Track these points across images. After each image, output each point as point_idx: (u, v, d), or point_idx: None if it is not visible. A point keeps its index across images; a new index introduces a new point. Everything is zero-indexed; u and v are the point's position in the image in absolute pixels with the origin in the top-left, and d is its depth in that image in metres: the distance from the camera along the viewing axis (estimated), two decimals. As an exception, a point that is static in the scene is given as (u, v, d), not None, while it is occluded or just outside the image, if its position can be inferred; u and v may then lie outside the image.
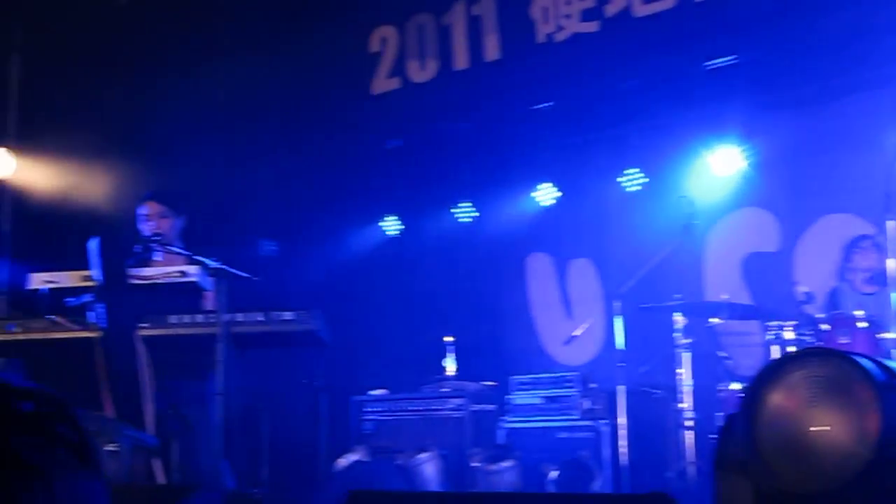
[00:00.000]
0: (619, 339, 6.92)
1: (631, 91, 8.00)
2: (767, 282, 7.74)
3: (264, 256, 9.49)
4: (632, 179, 8.25)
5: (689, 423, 6.71)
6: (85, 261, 5.59)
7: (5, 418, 0.86)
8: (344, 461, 6.95)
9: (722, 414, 6.56)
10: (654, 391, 7.02)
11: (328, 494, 6.42)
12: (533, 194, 8.83)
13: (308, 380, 8.16)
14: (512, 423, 7.45)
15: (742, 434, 2.47)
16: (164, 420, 5.78)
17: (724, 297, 6.95)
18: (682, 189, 7.95)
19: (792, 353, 4.53)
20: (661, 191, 8.19)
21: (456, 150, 9.16)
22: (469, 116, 8.84)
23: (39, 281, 5.71)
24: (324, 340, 5.80)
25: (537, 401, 7.47)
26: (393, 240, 9.74)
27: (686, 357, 6.78)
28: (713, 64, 7.60)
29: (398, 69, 8.94)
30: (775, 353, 6.41)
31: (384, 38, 9.10)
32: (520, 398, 7.54)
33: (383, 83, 9.03)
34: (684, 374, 6.77)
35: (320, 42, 9.24)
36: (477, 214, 9.21)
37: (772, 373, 2.65)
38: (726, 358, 6.78)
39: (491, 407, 7.66)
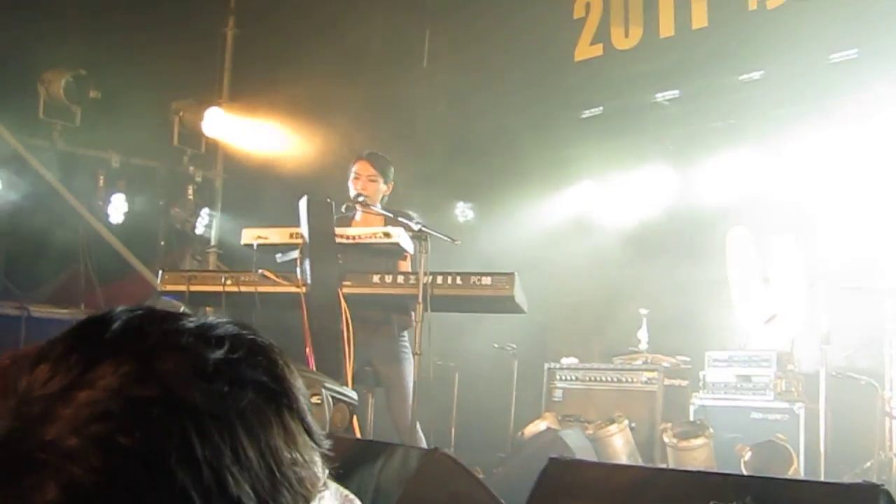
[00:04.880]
0: (823, 321, 6.66)
1: (843, 62, 7.64)
2: None
3: (462, 221, 9.61)
4: (840, 155, 7.85)
5: (895, 413, 6.43)
6: (294, 218, 5.79)
7: (190, 370, 0.85)
8: (533, 427, 6.99)
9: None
10: (857, 377, 6.74)
11: (517, 459, 6.49)
12: (736, 166, 8.54)
13: (501, 344, 8.27)
14: (704, 399, 7.32)
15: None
16: (360, 376, 5.96)
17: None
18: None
19: None
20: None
21: (656, 118, 8.99)
22: (672, 85, 8.66)
23: (250, 236, 5.96)
24: (519, 307, 5.84)
25: (731, 378, 7.31)
26: (588, 207, 9.63)
27: (895, 343, 6.48)
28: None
29: (601, 35, 8.83)
30: None
31: (588, 4, 9.00)
32: (714, 375, 7.40)
33: (586, 50, 8.94)
34: (892, 362, 6.48)
35: (525, 6, 9.23)
36: (676, 185, 8.99)
37: None
38: (939, 347, 6.43)
39: (683, 382, 7.54)
